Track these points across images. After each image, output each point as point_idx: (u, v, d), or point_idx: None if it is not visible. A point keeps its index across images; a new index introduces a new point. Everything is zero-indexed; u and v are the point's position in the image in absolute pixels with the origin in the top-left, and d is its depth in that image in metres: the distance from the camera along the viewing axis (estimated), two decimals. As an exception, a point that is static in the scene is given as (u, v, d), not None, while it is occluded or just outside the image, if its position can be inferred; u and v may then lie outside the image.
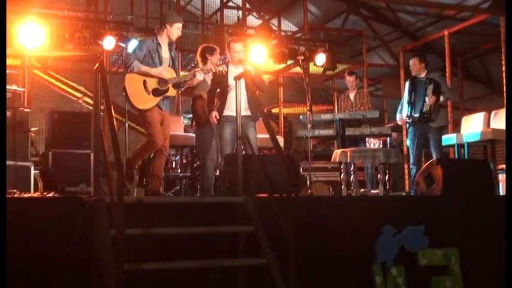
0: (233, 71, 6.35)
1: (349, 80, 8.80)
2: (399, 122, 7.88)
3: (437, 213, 5.52)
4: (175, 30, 6.09)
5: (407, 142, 7.92)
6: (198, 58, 6.97)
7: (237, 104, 5.32)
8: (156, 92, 5.97)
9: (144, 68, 5.89)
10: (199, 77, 6.22)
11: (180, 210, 4.65)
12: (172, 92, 6.08)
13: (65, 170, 7.27)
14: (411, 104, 7.51)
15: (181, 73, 6.52)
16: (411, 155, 7.52)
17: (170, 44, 6.20)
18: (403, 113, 7.67)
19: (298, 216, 4.53)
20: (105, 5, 10.37)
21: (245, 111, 6.21)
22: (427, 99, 7.43)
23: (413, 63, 7.74)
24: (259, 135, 6.91)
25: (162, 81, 5.98)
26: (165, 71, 6.03)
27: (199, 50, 7.02)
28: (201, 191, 6.73)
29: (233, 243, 4.69)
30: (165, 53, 6.13)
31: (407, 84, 7.75)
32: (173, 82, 6.05)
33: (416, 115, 7.44)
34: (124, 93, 5.96)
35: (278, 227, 4.36)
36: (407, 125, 7.67)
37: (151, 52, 6.00)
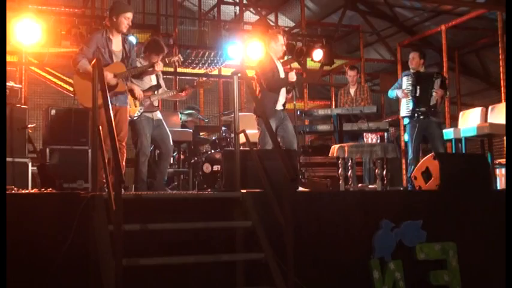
0: (279, 66, 6.99)
1: (351, 74, 8.72)
2: (400, 95, 7.56)
3: (434, 208, 5.53)
4: (123, 20, 5.72)
5: (406, 137, 7.83)
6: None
7: (236, 99, 5.33)
8: None
9: (89, 69, 5.32)
10: (158, 67, 5.99)
11: (177, 206, 4.66)
12: (121, 87, 5.75)
13: (63, 167, 7.25)
14: (415, 98, 7.39)
15: (138, 64, 6.19)
16: (410, 150, 7.45)
17: (124, 35, 5.92)
18: (402, 108, 7.54)
19: (296, 211, 4.55)
20: (101, 1, 10.36)
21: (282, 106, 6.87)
22: (434, 92, 7.39)
23: (414, 56, 7.58)
24: (256, 131, 6.90)
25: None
26: (112, 69, 5.67)
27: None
28: (135, 188, 6.60)
29: (231, 238, 4.70)
30: (116, 46, 5.83)
31: (409, 77, 7.53)
32: (123, 76, 5.78)
33: (424, 109, 7.35)
34: (73, 94, 5.73)
35: (276, 222, 4.37)
36: (407, 120, 7.54)
37: (101, 47, 5.70)
